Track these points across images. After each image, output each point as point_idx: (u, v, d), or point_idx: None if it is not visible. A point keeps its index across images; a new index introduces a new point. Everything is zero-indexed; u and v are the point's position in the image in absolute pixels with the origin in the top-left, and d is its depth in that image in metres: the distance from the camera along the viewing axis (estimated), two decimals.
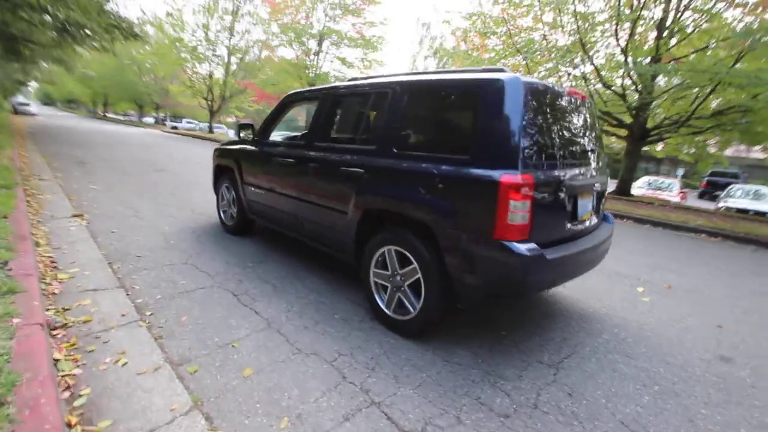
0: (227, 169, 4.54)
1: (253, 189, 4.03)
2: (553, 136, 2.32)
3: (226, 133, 36.58)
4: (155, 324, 2.59)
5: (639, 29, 9.82)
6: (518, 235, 2.08)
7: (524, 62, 11.25)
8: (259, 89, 22.15)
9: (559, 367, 2.43)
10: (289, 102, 3.85)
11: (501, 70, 2.32)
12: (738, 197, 12.18)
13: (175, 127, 35.61)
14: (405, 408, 1.99)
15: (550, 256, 2.15)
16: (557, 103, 2.43)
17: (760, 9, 8.47)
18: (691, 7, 9.14)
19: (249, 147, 4.09)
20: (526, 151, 2.09)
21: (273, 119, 3.96)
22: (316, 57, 21.14)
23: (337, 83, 3.39)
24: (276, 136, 4.13)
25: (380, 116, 2.75)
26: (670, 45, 9.50)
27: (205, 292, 3.09)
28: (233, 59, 25.43)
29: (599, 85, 10.98)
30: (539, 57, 10.85)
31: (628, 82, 10.38)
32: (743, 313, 3.53)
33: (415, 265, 2.46)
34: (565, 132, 2.44)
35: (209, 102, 26.82)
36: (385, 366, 2.31)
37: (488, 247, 2.11)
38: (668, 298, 3.73)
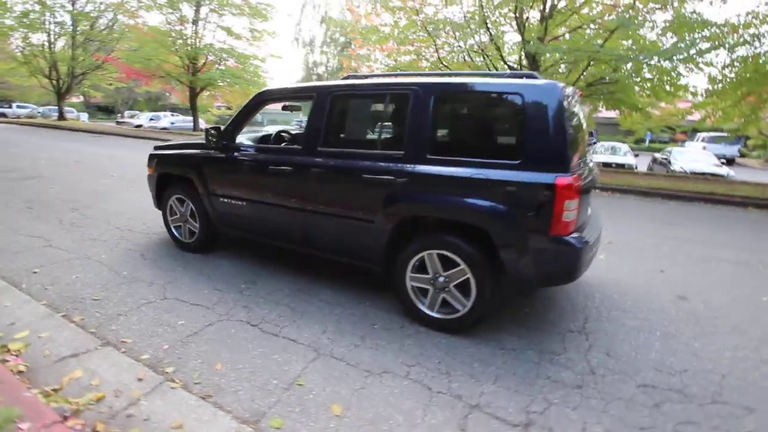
0: (180, 179, 3.89)
1: (226, 200, 3.55)
2: (577, 136, 2.56)
3: (78, 117, 30.25)
4: (189, 381, 2.22)
5: (529, 12, 10.91)
6: (570, 229, 2.31)
7: (428, 39, 11.66)
8: (126, 64, 18.56)
9: (586, 332, 2.82)
10: (262, 101, 3.40)
11: (532, 76, 2.45)
12: (600, 153, 14.86)
13: (2, 115, 28.03)
14: (500, 403, 2.12)
15: (589, 243, 2.44)
16: (575, 104, 2.67)
17: None
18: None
19: (214, 153, 3.55)
20: (571, 153, 2.29)
21: (242, 120, 3.48)
22: (194, 26, 18.52)
23: (335, 82, 3.12)
24: (241, 138, 3.65)
25: (403, 120, 2.66)
26: (553, 26, 10.80)
27: (216, 329, 2.72)
28: (81, 28, 20.69)
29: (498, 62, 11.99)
30: (445, 34, 11.32)
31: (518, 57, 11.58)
32: (671, 257, 4.47)
33: (463, 266, 2.55)
34: (580, 131, 2.71)
35: (54, 82, 21.65)
36: (456, 367, 2.40)
37: (546, 243, 2.31)
38: (615, 253, 4.51)
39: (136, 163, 9.88)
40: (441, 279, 2.66)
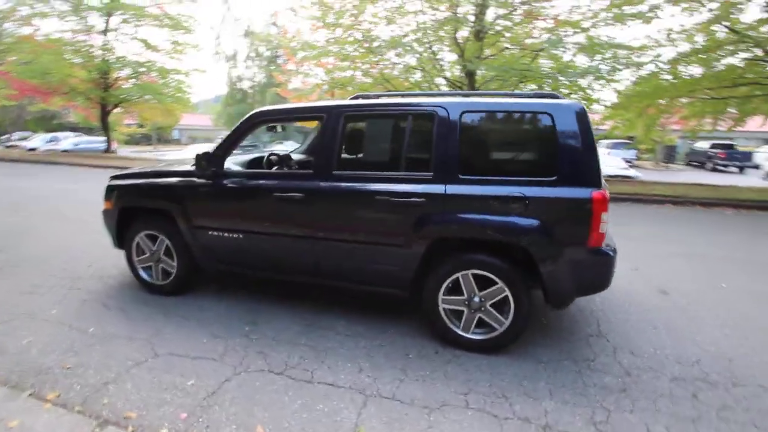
0: (152, 212, 3.38)
1: (216, 234, 3.15)
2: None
3: None
4: None
5: (465, 33, 11.65)
6: (604, 240, 2.43)
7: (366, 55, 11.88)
8: (19, 79, 15.87)
9: (604, 335, 2.97)
10: (256, 123, 3.10)
11: (555, 96, 2.56)
12: None
13: None
14: (567, 419, 2.11)
15: (617, 251, 2.59)
16: None
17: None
18: (495, 22, 11.39)
19: (199, 181, 3.14)
20: (600, 168, 2.42)
21: (232, 144, 3.13)
22: (104, 37, 16.61)
23: (346, 101, 2.94)
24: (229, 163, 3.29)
25: (429, 140, 2.59)
26: (486, 47, 11.65)
27: (237, 384, 2.37)
28: None
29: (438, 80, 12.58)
30: (389, 52, 11.62)
31: (458, 73, 12.26)
32: (635, 255, 4.87)
33: (501, 284, 2.54)
34: None
35: None
36: (508, 388, 2.36)
37: (584, 254, 2.40)
38: None
39: (47, 194, 8.51)
40: (476, 299, 2.62)
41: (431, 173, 2.59)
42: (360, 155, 3.05)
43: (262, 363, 2.58)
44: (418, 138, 2.69)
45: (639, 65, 10.99)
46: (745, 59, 9.86)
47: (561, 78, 11.49)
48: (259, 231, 3.04)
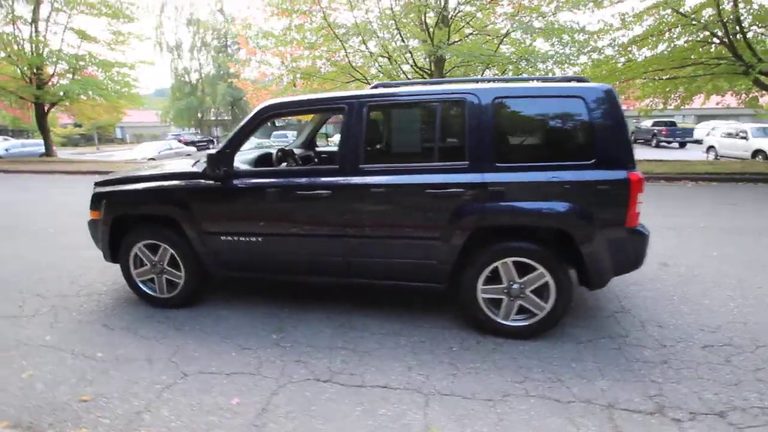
0: (152, 219, 3.08)
1: (230, 239, 2.93)
2: None
3: None
4: None
5: (430, 20, 11.60)
6: (639, 219, 2.50)
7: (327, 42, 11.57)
8: None
9: (628, 311, 3.10)
10: (267, 116, 2.87)
11: (582, 79, 2.57)
12: None
13: None
14: (626, 396, 2.15)
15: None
16: None
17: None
18: (458, 8, 11.44)
19: (207, 183, 2.89)
20: (632, 149, 2.47)
21: (242, 140, 2.89)
22: (32, 27, 14.91)
23: (367, 91, 2.77)
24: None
25: (461, 128, 2.53)
26: (452, 33, 11.70)
27: (286, 398, 2.22)
28: None
29: (406, 66, 12.49)
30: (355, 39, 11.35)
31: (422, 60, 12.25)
32: None
33: (541, 269, 2.56)
34: None
35: None
36: (560, 371, 2.38)
37: (623, 234, 2.47)
38: None
39: None
40: (516, 286, 2.63)
41: (466, 162, 2.53)
42: (389, 147, 2.93)
43: (304, 372, 2.44)
44: (449, 127, 2.62)
45: (597, 50, 11.51)
46: (689, 41, 10.60)
47: (523, 63, 11.83)
48: (281, 232, 2.86)
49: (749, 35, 10.19)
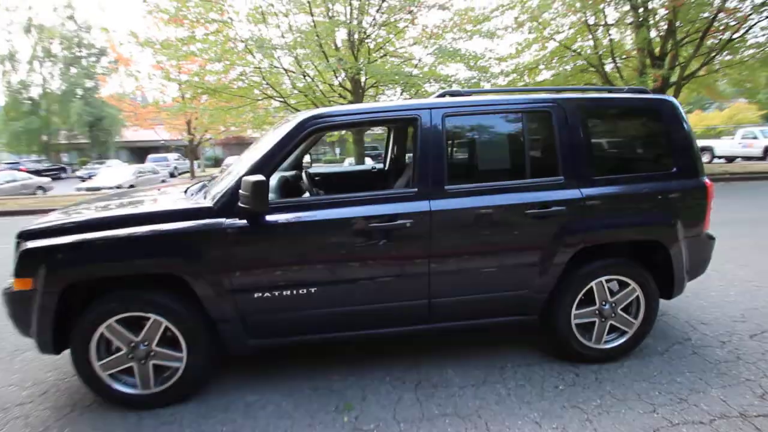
0: (134, 281, 2.09)
1: (270, 295, 2.14)
2: None
3: None
4: None
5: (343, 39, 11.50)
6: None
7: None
8: None
9: (669, 312, 3.20)
10: (312, 132, 2.18)
11: (644, 90, 2.58)
12: None
13: None
14: (743, 401, 2.15)
15: None
16: None
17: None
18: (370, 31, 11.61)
19: (229, 221, 2.07)
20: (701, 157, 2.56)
21: (277, 163, 2.16)
22: None
23: (441, 100, 2.29)
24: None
25: (551, 140, 2.29)
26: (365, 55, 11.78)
27: None
28: None
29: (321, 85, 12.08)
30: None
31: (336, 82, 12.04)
32: None
33: (633, 285, 2.45)
34: None
35: None
36: (678, 391, 2.26)
37: (702, 239, 2.53)
38: None
39: None
40: (607, 306, 2.47)
41: (561, 177, 2.31)
42: (474, 163, 2.51)
43: None
44: (537, 140, 2.37)
45: (495, 75, 12.81)
46: (572, 68, 12.62)
47: (427, 85, 12.49)
48: (344, 278, 2.20)
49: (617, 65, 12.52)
